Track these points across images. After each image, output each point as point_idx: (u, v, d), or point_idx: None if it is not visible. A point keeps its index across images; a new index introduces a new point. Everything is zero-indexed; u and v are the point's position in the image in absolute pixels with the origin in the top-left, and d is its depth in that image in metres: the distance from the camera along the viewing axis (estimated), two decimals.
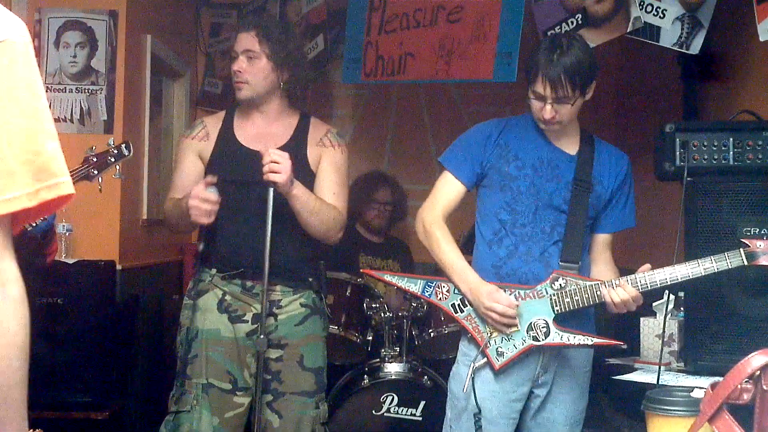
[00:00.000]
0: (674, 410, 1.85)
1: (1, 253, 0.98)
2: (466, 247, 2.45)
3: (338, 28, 4.19)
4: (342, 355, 3.43)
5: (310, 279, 2.59)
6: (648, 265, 2.18)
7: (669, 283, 2.14)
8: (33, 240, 2.13)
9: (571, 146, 2.37)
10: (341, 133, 2.73)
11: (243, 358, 2.52)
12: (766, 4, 2.52)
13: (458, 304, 2.33)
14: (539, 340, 2.25)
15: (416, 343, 3.46)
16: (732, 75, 3.29)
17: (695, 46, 2.91)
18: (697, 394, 1.82)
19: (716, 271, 2.10)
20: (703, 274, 2.10)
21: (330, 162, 2.60)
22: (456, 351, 2.42)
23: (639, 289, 2.16)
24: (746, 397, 1.43)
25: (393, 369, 3.39)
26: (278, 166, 2.34)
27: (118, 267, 3.33)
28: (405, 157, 4.79)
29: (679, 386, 2.09)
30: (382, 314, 3.43)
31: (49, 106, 3.46)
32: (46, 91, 3.46)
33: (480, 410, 2.25)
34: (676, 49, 2.95)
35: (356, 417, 3.30)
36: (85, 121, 3.43)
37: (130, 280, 3.52)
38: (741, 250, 2.08)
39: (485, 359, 2.29)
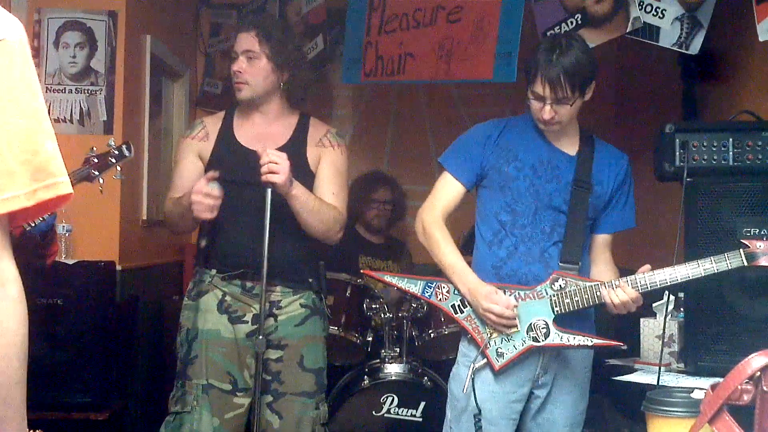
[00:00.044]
0: (674, 411, 1.85)
1: (0, 253, 0.98)
2: (466, 247, 2.45)
3: (338, 28, 4.19)
4: (342, 355, 3.43)
5: (310, 280, 2.59)
6: (648, 266, 2.18)
7: (669, 283, 2.14)
8: (32, 240, 2.13)
9: (570, 147, 2.37)
10: (341, 134, 2.73)
11: (243, 359, 2.52)
12: (766, 4, 2.52)
13: (458, 305, 2.33)
14: (539, 341, 2.25)
15: (416, 343, 3.46)
16: (732, 75, 3.29)
17: (695, 47, 2.91)
18: (697, 395, 1.83)
19: (716, 271, 2.10)
20: (703, 274, 2.10)
21: (330, 162, 2.60)
22: (456, 352, 2.42)
23: (639, 290, 2.16)
24: (746, 398, 1.42)
25: (393, 370, 3.39)
26: (277, 167, 2.34)
27: (118, 267, 3.33)
28: (405, 157, 4.79)
29: (680, 387, 2.09)
30: (382, 315, 3.43)
31: (49, 107, 3.47)
32: (46, 92, 3.50)
33: (480, 411, 2.25)
34: (675, 49, 2.95)
35: (356, 418, 3.30)
36: (85, 122, 3.43)
37: (130, 281, 3.52)
38: (741, 250, 2.08)
39: (485, 360, 2.29)
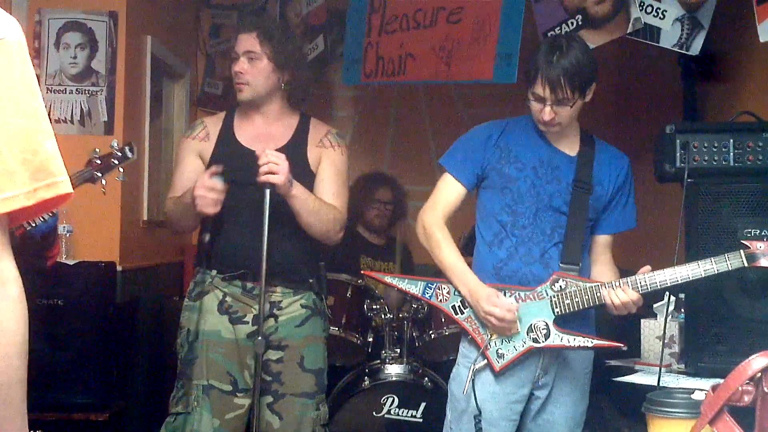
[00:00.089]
0: (675, 412, 1.85)
1: (0, 253, 0.98)
2: (467, 248, 2.45)
3: (338, 29, 4.19)
4: (342, 356, 3.43)
5: (311, 280, 2.60)
6: (648, 267, 2.18)
7: (669, 284, 2.14)
8: (32, 241, 2.13)
9: (571, 147, 2.37)
10: (341, 134, 2.73)
11: (243, 360, 2.52)
12: (767, 5, 2.52)
13: (458, 306, 2.33)
14: (539, 342, 2.25)
15: (417, 344, 3.46)
16: (732, 76, 3.29)
17: (695, 47, 2.91)
18: (697, 396, 1.83)
19: (716, 272, 2.09)
20: (703, 275, 2.10)
21: (330, 163, 2.60)
22: (456, 352, 2.42)
23: (639, 291, 2.16)
24: (747, 399, 1.42)
25: (393, 370, 3.39)
26: (276, 167, 2.34)
27: (119, 268, 3.34)
28: (405, 158, 4.79)
29: (680, 388, 2.09)
30: (383, 316, 3.43)
31: (50, 108, 3.46)
32: (47, 92, 3.51)
33: (480, 412, 2.25)
34: (676, 50, 2.95)
35: (357, 418, 3.30)
36: (86, 123, 3.43)
37: (131, 281, 3.52)
38: (741, 251, 2.08)
39: (485, 361, 2.29)
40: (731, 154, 2.29)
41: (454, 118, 4.69)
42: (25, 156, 0.98)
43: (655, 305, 2.55)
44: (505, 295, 2.27)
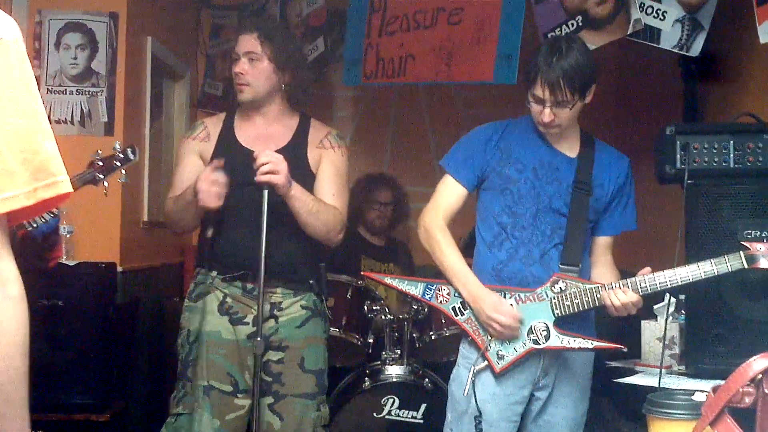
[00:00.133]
0: (676, 413, 1.85)
1: (0, 253, 0.98)
2: (467, 249, 2.45)
3: (338, 30, 4.19)
4: (343, 357, 3.43)
5: (311, 281, 2.59)
6: (648, 269, 2.18)
7: (669, 286, 2.14)
8: (33, 242, 2.14)
9: (571, 149, 2.37)
10: (341, 135, 2.73)
11: (244, 360, 2.51)
12: (767, 6, 2.52)
13: (458, 307, 2.33)
14: (539, 344, 2.25)
15: (417, 345, 3.46)
16: (732, 77, 3.29)
17: (696, 48, 2.92)
18: (698, 397, 1.83)
19: (716, 274, 2.09)
20: (703, 277, 2.10)
21: (330, 163, 2.60)
22: (457, 353, 2.42)
23: (639, 293, 2.16)
24: (748, 400, 1.42)
25: (394, 371, 3.39)
26: (275, 167, 2.34)
27: (119, 269, 3.34)
28: (405, 159, 4.79)
29: (681, 389, 2.09)
30: (383, 317, 3.43)
31: (50, 108, 3.46)
32: (47, 93, 3.50)
33: (480, 413, 2.25)
34: (676, 51, 2.95)
35: (357, 419, 3.30)
36: (86, 123, 3.43)
37: (131, 282, 3.53)
38: (741, 253, 2.08)
39: (486, 362, 2.29)
40: (731, 155, 2.29)
41: (454, 119, 4.69)
42: (25, 156, 0.98)
43: (655, 306, 2.55)
44: (505, 296, 2.27)
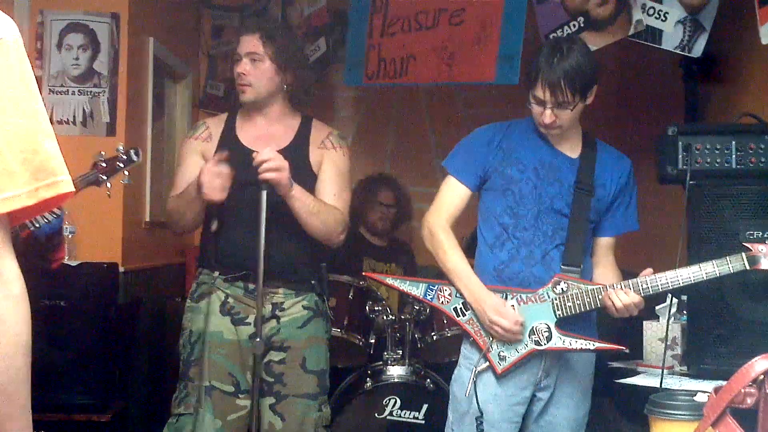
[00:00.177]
0: (677, 414, 1.85)
1: (1, 252, 0.98)
2: (468, 250, 2.45)
3: (340, 31, 4.20)
4: (344, 357, 3.43)
5: (313, 281, 2.60)
6: (650, 270, 2.18)
7: (671, 287, 2.14)
8: (37, 242, 2.14)
9: (573, 149, 2.37)
10: (343, 135, 2.73)
11: (245, 361, 2.51)
12: None
13: (460, 308, 2.33)
14: (541, 345, 2.25)
15: (419, 346, 3.46)
16: (734, 78, 3.29)
17: (697, 49, 2.92)
18: (700, 398, 1.83)
19: (718, 275, 2.09)
20: (705, 278, 2.10)
21: (332, 164, 2.60)
22: (458, 354, 2.42)
23: (641, 294, 2.16)
24: (750, 401, 1.42)
25: (395, 372, 3.39)
26: (276, 164, 2.34)
27: (121, 269, 3.34)
28: (407, 159, 4.79)
29: (683, 390, 2.09)
30: (385, 317, 3.43)
31: (52, 109, 3.45)
32: (49, 93, 3.50)
33: (482, 414, 2.25)
34: (678, 52, 2.95)
35: (359, 420, 3.30)
36: (88, 124, 3.44)
37: (133, 282, 3.53)
38: (743, 254, 2.08)
39: (487, 363, 2.29)
40: (733, 156, 2.29)
41: (455, 119, 4.69)
42: (25, 155, 0.98)
43: (657, 307, 2.55)
44: (506, 297, 2.27)
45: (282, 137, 2.60)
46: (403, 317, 3.45)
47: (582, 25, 3.02)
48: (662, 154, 2.34)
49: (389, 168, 4.70)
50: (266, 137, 2.57)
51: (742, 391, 1.42)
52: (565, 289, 2.24)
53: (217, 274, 2.54)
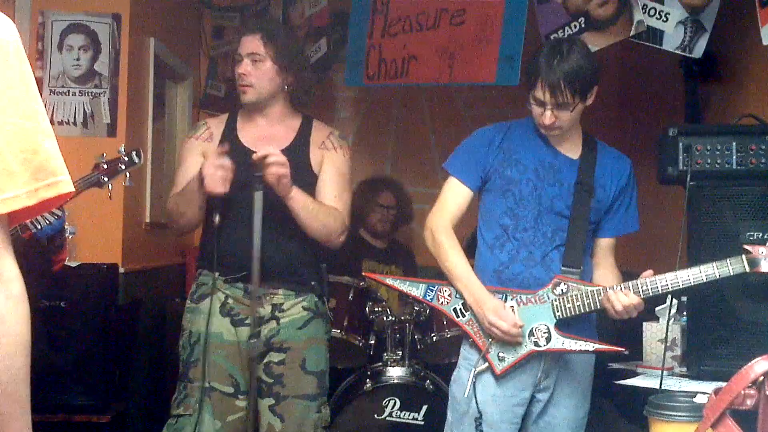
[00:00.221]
0: (677, 415, 1.85)
1: (1, 252, 0.98)
2: (469, 250, 2.45)
3: (341, 31, 4.20)
4: (344, 358, 3.43)
5: (313, 282, 2.59)
6: (650, 271, 2.17)
7: (671, 289, 2.14)
8: (38, 243, 2.14)
9: (573, 150, 2.37)
10: (343, 136, 2.72)
11: (245, 362, 2.51)
12: None
13: (460, 309, 2.33)
14: (540, 346, 2.25)
15: (418, 346, 3.46)
16: (735, 78, 3.29)
17: (698, 50, 2.92)
18: (700, 399, 1.82)
19: (718, 277, 2.09)
20: (705, 280, 2.10)
21: (332, 165, 2.60)
22: (458, 355, 2.42)
23: (641, 295, 2.15)
24: (749, 402, 1.42)
25: (395, 373, 3.38)
26: (278, 159, 2.34)
27: (121, 270, 3.34)
28: (407, 159, 4.79)
29: (682, 391, 2.08)
30: (385, 318, 3.43)
31: (53, 109, 3.46)
32: (50, 94, 3.50)
33: (481, 414, 2.25)
34: (679, 52, 2.95)
35: (358, 421, 3.30)
36: (88, 124, 3.44)
37: (133, 283, 3.53)
38: (743, 256, 2.07)
39: (487, 364, 2.29)
40: (734, 157, 2.29)
41: (455, 119, 4.70)
42: (25, 156, 0.98)
43: (657, 308, 2.55)
44: (506, 298, 2.27)
45: (283, 138, 2.60)
46: (402, 318, 3.45)
47: (583, 25, 3.02)
48: (663, 155, 2.33)
49: (389, 168, 4.70)
50: (267, 138, 2.57)
51: (742, 392, 1.42)
52: (564, 290, 2.24)
53: (216, 274, 2.54)
